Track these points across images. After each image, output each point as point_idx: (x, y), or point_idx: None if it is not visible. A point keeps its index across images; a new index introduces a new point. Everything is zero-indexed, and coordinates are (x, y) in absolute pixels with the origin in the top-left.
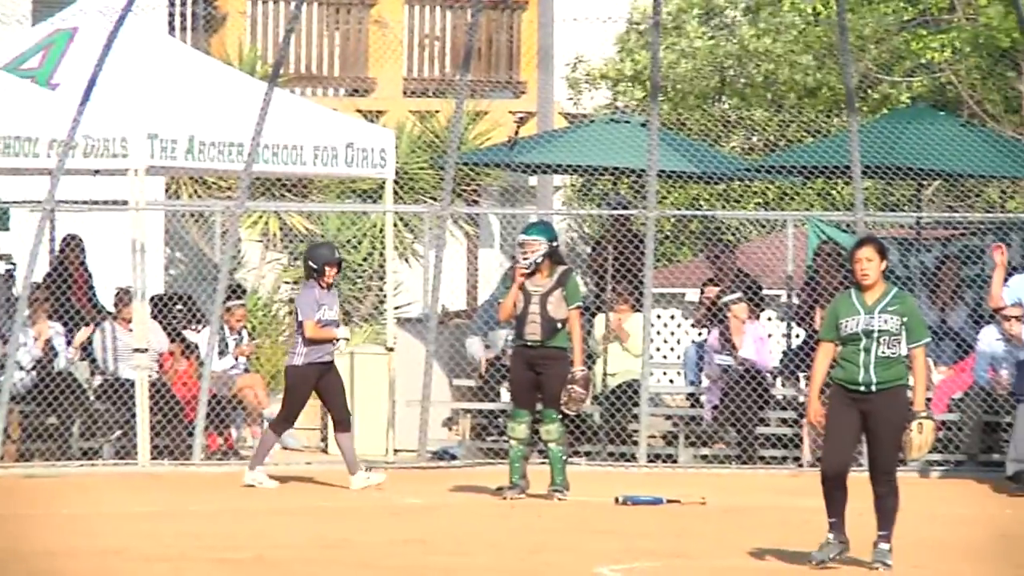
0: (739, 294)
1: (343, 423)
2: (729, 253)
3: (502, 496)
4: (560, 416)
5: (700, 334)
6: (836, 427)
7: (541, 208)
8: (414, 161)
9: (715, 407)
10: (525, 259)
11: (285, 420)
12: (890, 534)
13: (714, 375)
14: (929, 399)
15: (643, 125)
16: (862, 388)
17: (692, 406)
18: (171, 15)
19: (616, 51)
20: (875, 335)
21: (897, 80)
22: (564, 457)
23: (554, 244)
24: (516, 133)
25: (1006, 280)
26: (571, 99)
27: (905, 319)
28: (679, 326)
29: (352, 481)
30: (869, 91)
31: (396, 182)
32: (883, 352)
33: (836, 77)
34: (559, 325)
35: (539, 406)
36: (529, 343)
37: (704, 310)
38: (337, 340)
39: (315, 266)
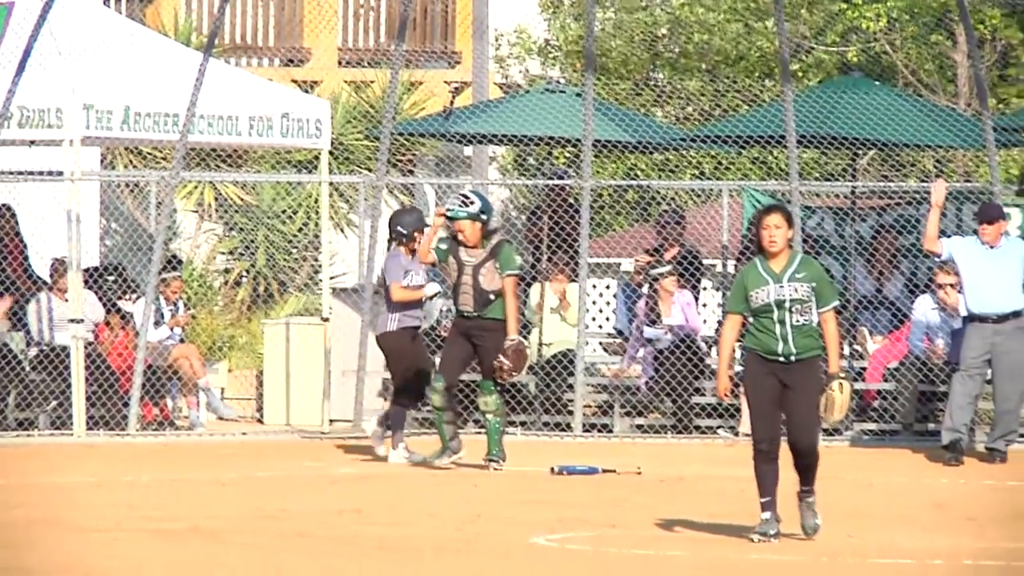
0: (669, 267)
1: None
2: (676, 222)
3: (430, 464)
4: (497, 387)
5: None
6: (761, 400)
7: (476, 178)
8: (349, 131)
9: (650, 377)
10: (450, 210)
11: (403, 390)
12: (813, 488)
13: (639, 343)
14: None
15: (578, 95)
16: (781, 359)
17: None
18: None
19: (546, 21)
20: (787, 305)
21: (830, 48)
22: (501, 428)
23: (484, 217)
24: (451, 103)
25: (946, 234)
26: (500, 71)
27: (814, 285)
28: (615, 296)
29: (392, 454)
30: (800, 56)
31: (331, 152)
32: (797, 321)
33: (765, 40)
34: (492, 296)
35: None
36: (464, 313)
37: (638, 277)
38: (427, 297)
39: (404, 231)
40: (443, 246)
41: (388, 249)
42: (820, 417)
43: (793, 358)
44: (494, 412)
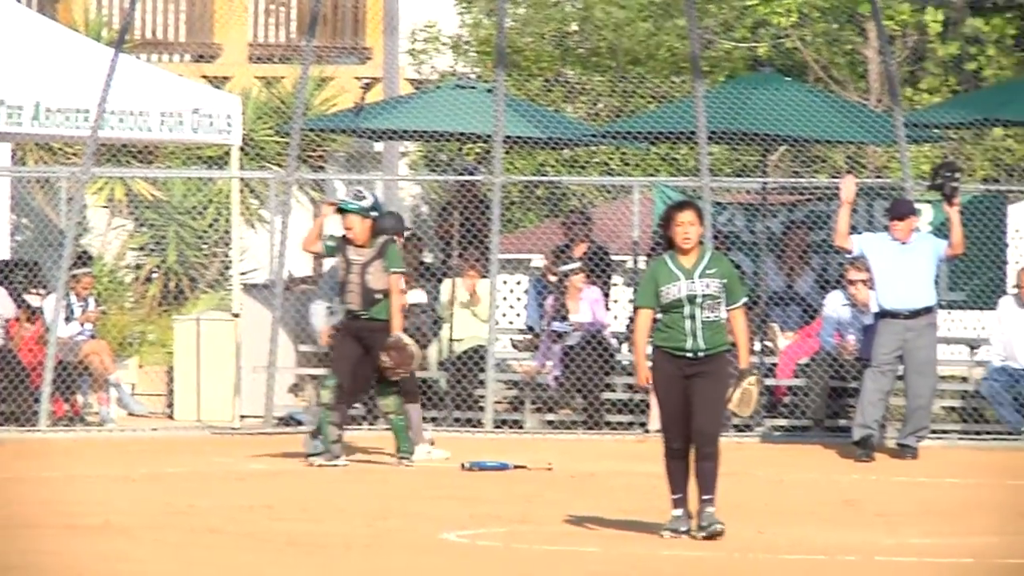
0: (578, 264)
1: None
2: (583, 222)
3: (309, 463)
4: (395, 387)
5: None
6: (670, 399)
7: (387, 174)
8: (260, 127)
9: (560, 372)
10: (342, 202)
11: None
12: (714, 497)
13: (551, 340)
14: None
15: (489, 91)
16: (690, 354)
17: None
18: None
19: (458, 15)
20: (698, 300)
21: (740, 44)
22: (405, 424)
23: (373, 215)
24: (362, 99)
25: (857, 230)
26: (412, 65)
27: (725, 281)
28: (525, 291)
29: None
30: (709, 52)
31: (242, 148)
32: (707, 317)
33: (674, 38)
34: (378, 295)
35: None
36: (353, 313)
37: (545, 279)
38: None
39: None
40: (331, 243)
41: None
42: (727, 411)
43: (701, 353)
44: (394, 412)
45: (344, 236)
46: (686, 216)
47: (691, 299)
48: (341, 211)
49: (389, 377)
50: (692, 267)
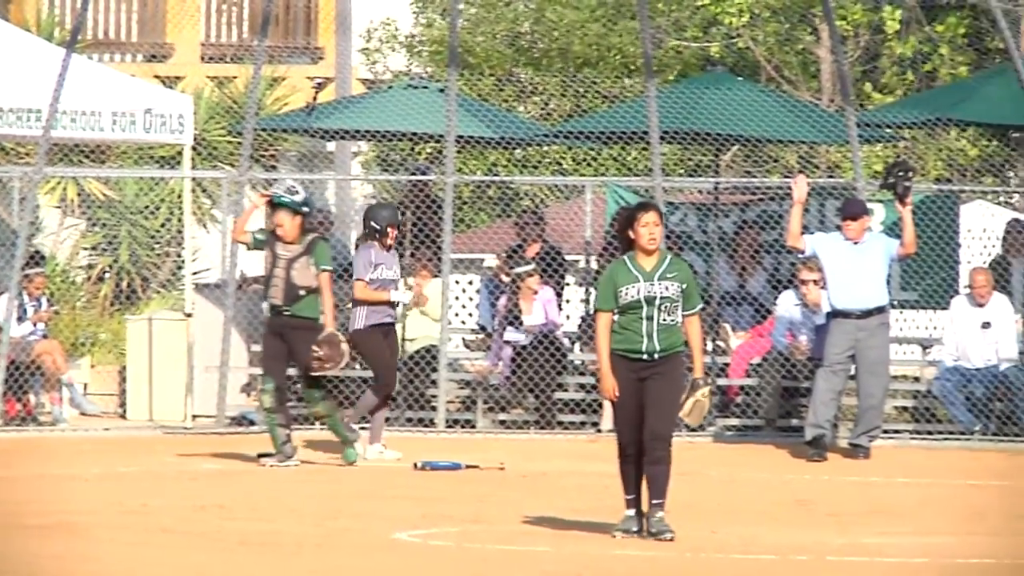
0: (532, 266)
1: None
2: (536, 222)
3: (260, 463)
4: (321, 392)
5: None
6: (625, 402)
7: (340, 174)
8: (212, 127)
9: (512, 372)
10: (275, 195)
11: (385, 383)
12: (664, 502)
13: (501, 341)
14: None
15: (441, 91)
16: (645, 356)
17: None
18: None
19: (413, 15)
20: (657, 302)
21: (691, 43)
22: (345, 421)
23: (304, 210)
24: (314, 99)
25: (809, 230)
26: (366, 65)
27: (684, 286)
28: (478, 291)
29: (368, 450)
30: (660, 52)
31: (194, 148)
32: (664, 319)
33: (624, 39)
34: (301, 292)
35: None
36: (275, 308)
37: (497, 279)
38: (395, 303)
39: (378, 226)
40: (260, 236)
41: (355, 244)
42: (679, 415)
43: (657, 355)
44: (325, 416)
45: (273, 231)
46: (651, 217)
47: (649, 301)
48: (273, 205)
49: (315, 370)
50: (652, 269)
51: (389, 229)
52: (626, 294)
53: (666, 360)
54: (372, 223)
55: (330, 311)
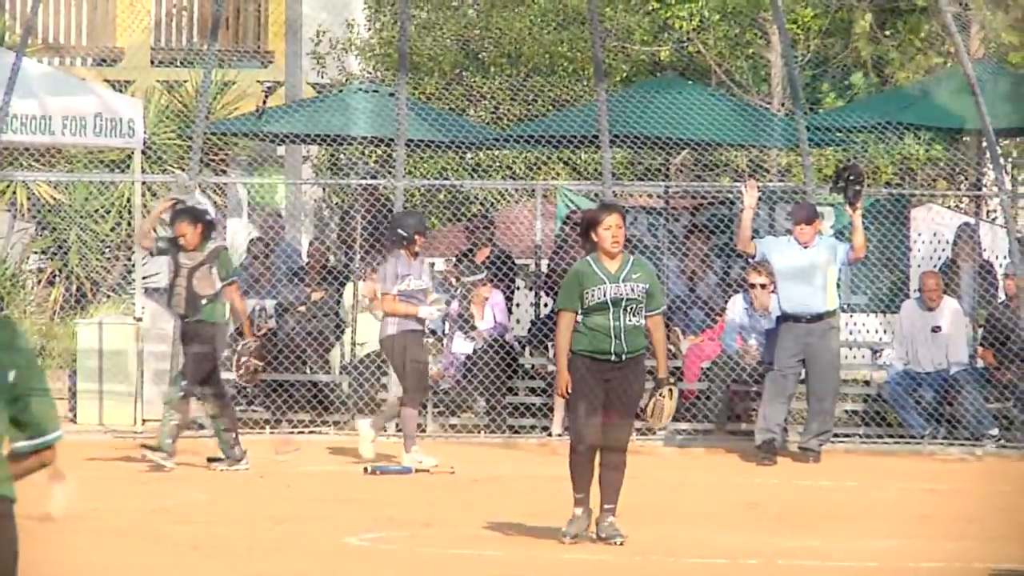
0: (482, 275)
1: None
2: (486, 227)
3: (211, 468)
4: (214, 390)
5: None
6: (585, 401)
7: (290, 178)
8: (162, 131)
9: (463, 376)
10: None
11: (414, 389)
12: (615, 507)
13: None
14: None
15: (391, 95)
16: (612, 357)
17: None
18: None
19: (365, 20)
20: (623, 304)
21: (643, 48)
22: (224, 427)
23: (207, 219)
24: (264, 103)
25: (760, 234)
26: (315, 69)
27: (648, 287)
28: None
29: (405, 458)
30: (608, 52)
31: (144, 152)
32: (630, 321)
33: (573, 45)
34: (203, 301)
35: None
36: (180, 317)
37: (447, 283)
38: (422, 319)
39: (406, 234)
40: (162, 244)
41: (382, 253)
42: (641, 419)
43: (624, 356)
44: (215, 415)
45: (175, 239)
46: (614, 219)
47: (616, 302)
48: (174, 213)
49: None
50: (617, 271)
51: (417, 237)
52: (592, 296)
53: (631, 361)
54: (400, 231)
55: (246, 321)
